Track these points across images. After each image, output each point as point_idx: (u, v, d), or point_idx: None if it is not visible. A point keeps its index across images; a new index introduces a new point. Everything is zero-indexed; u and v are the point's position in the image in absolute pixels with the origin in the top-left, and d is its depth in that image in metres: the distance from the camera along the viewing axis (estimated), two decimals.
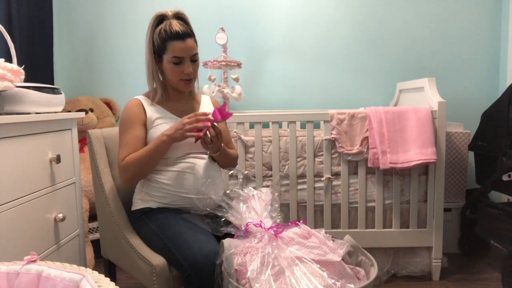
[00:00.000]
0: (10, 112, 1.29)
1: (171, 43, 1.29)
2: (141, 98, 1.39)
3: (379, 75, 2.64)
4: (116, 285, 0.77)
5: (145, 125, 1.34)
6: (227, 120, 1.38)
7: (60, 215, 1.46)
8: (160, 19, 1.32)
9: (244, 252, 1.12)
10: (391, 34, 2.62)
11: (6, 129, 1.21)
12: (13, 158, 1.24)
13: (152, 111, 1.36)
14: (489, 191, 2.07)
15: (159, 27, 1.30)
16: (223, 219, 1.24)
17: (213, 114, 1.26)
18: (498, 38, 2.58)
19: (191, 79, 1.36)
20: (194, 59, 1.34)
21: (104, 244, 1.52)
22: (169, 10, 1.33)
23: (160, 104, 1.38)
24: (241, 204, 1.27)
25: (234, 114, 1.49)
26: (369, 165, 1.89)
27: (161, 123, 1.34)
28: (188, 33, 1.30)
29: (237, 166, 1.94)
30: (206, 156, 1.39)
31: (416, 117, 1.86)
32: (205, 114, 1.24)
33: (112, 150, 1.51)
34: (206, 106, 1.49)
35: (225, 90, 2.23)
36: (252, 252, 1.10)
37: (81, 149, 2.27)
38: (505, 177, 1.87)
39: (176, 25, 1.29)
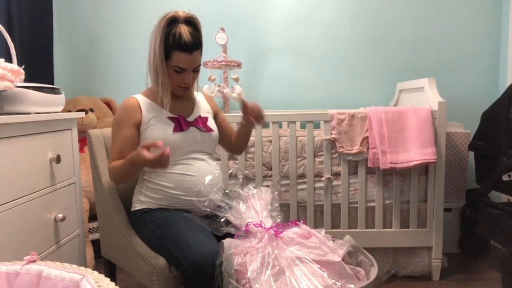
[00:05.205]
0: (10, 112, 1.29)
1: (177, 52, 1.25)
2: (139, 97, 1.36)
3: (379, 75, 2.64)
4: (116, 285, 0.77)
5: (138, 126, 1.32)
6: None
7: (60, 215, 1.46)
8: (172, 20, 1.25)
9: (244, 252, 1.12)
10: (391, 34, 2.62)
11: (6, 129, 1.21)
12: (13, 158, 1.24)
13: (148, 111, 1.33)
14: (489, 191, 2.07)
15: (169, 30, 1.25)
16: (223, 219, 1.24)
17: None
18: (498, 38, 2.58)
19: (189, 87, 1.36)
20: (196, 70, 1.33)
21: (104, 244, 1.51)
22: (181, 11, 1.27)
23: (157, 103, 1.35)
24: (241, 204, 1.27)
25: (234, 114, 1.50)
26: (369, 165, 1.89)
27: (155, 123, 1.31)
28: (196, 46, 1.27)
29: (237, 166, 1.95)
30: (205, 157, 1.39)
31: (416, 117, 1.86)
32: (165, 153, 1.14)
33: None
34: (201, 105, 1.48)
35: (225, 90, 2.23)
36: (252, 252, 1.10)
37: (81, 149, 2.27)
38: (505, 177, 1.87)
39: (186, 35, 1.24)
